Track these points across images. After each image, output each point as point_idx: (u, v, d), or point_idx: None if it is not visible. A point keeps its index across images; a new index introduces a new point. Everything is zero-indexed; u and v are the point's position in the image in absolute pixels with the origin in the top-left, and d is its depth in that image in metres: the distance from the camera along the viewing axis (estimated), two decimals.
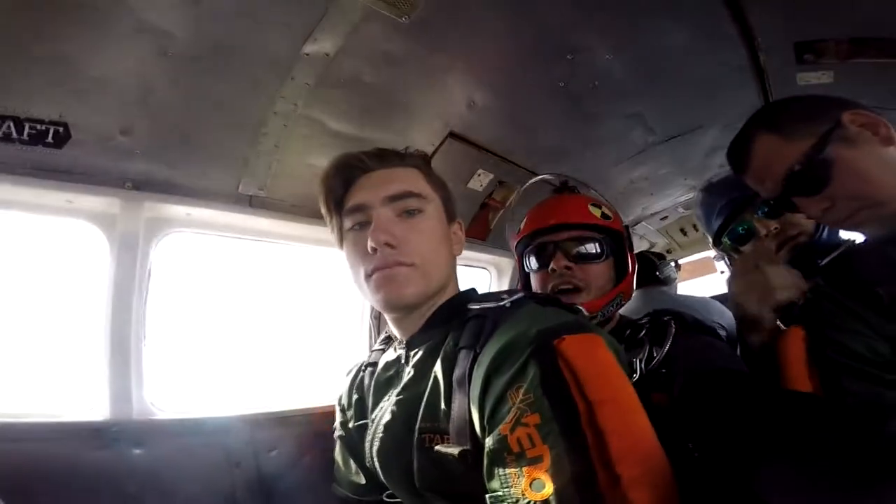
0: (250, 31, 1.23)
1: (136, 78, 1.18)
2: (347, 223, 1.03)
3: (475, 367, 0.84)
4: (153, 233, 1.42)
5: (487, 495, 0.74)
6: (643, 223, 3.00)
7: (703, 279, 3.80)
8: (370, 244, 0.95)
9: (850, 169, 0.95)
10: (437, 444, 0.85)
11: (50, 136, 1.13)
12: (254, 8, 1.20)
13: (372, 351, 1.26)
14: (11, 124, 1.07)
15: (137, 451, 1.26)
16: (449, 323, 0.98)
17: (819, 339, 0.93)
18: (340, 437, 1.24)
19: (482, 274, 2.47)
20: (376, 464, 1.02)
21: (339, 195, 1.06)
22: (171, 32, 1.14)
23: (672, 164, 2.44)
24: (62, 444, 1.19)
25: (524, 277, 1.52)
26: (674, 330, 1.16)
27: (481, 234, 2.23)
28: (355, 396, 1.20)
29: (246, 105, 1.39)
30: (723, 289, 3.22)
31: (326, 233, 1.68)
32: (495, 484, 0.72)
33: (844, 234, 1.34)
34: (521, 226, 1.47)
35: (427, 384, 0.93)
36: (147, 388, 1.36)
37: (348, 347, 1.90)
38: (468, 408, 0.82)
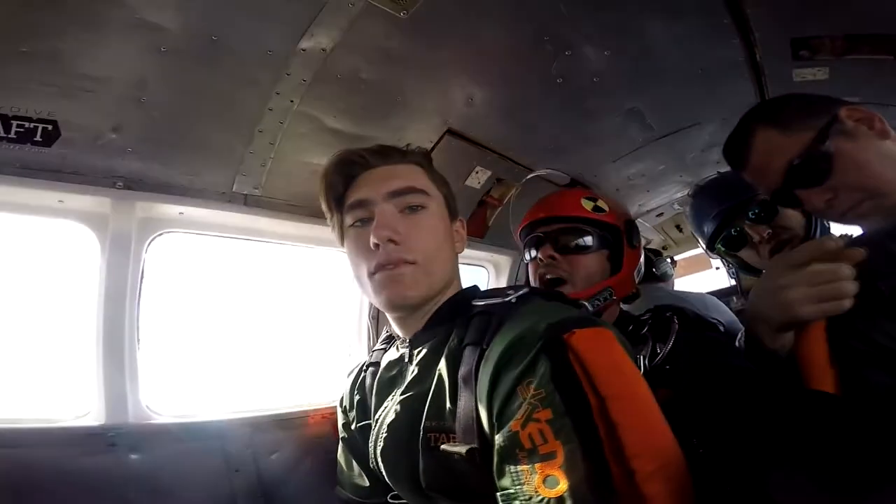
0: (246, 25, 1.20)
1: (128, 74, 1.15)
2: (349, 220, 1.01)
3: (482, 363, 0.82)
4: (146, 233, 1.39)
5: (499, 493, 0.72)
6: (639, 220, 3.00)
7: (698, 275, 3.82)
8: (373, 240, 0.93)
9: (851, 160, 0.96)
10: (442, 443, 0.84)
11: (38, 134, 1.10)
12: (249, 2, 1.17)
13: (373, 351, 1.24)
14: None
15: (134, 457, 1.24)
16: (453, 320, 0.96)
17: (842, 328, 0.92)
18: (343, 438, 1.23)
19: (480, 272, 2.46)
20: (380, 465, 1.00)
21: (340, 192, 1.04)
22: (165, 27, 1.11)
23: (669, 161, 2.44)
24: (56, 449, 1.16)
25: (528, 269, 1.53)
26: (677, 326, 1.16)
27: (479, 231, 2.22)
28: (357, 397, 1.18)
29: (241, 102, 1.36)
30: (718, 285, 3.25)
31: (323, 232, 1.67)
32: (506, 481, 0.71)
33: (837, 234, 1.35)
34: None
35: (432, 382, 0.91)
36: (143, 392, 1.33)
37: (347, 348, 1.88)
38: (475, 405, 0.80)
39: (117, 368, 1.29)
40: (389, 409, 1.00)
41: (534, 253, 1.42)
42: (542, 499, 0.66)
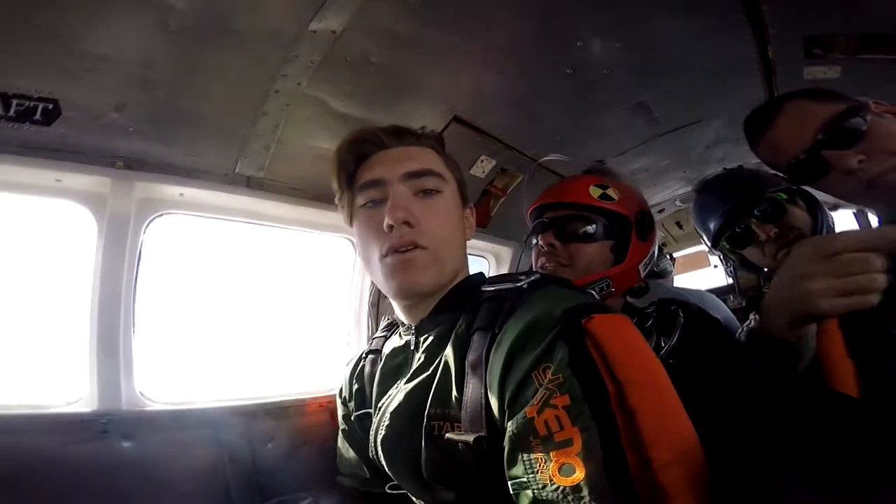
0: (255, 5, 1.17)
1: (133, 53, 1.11)
2: (360, 200, 0.99)
3: (493, 348, 0.80)
4: (144, 214, 1.37)
5: (510, 482, 0.70)
6: None
7: (697, 273, 3.82)
8: (388, 221, 0.90)
9: (885, 128, 0.99)
10: (447, 431, 0.82)
11: (39, 112, 1.07)
12: None
13: (373, 338, 1.23)
14: None
15: (127, 444, 1.22)
16: (460, 306, 0.94)
17: (859, 320, 0.91)
18: (343, 430, 1.22)
19: (481, 262, 2.45)
20: (380, 454, 0.99)
21: (352, 171, 1.02)
22: (173, 5, 1.07)
23: (673, 157, 2.43)
24: (47, 436, 1.14)
25: None
26: (682, 320, 1.14)
27: (481, 221, 2.21)
28: (356, 386, 1.17)
29: (247, 83, 1.33)
30: (715, 283, 3.26)
31: (326, 217, 1.67)
32: (518, 470, 0.69)
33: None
34: None
35: (438, 369, 0.89)
36: (137, 378, 1.31)
37: (346, 336, 1.87)
38: (484, 392, 0.79)
39: (111, 353, 1.26)
40: (394, 397, 0.98)
41: (535, 238, 1.41)
42: (558, 487, 0.64)
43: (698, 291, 2.25)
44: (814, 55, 1.68)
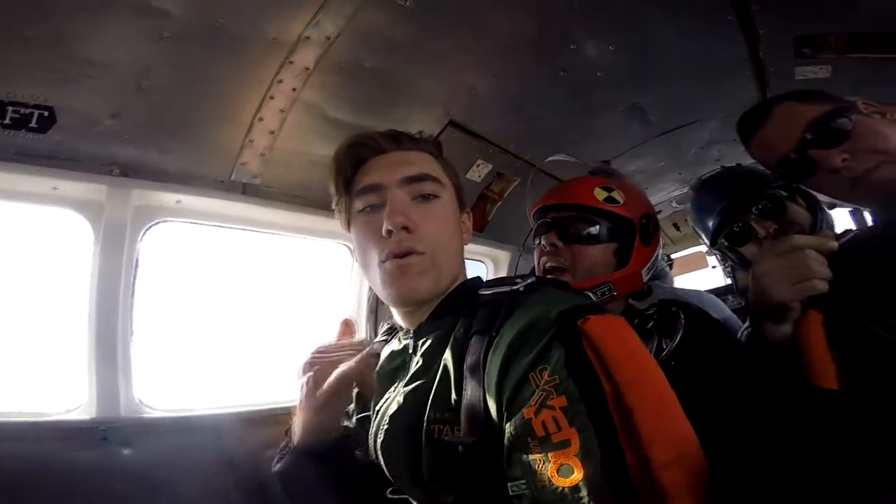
0: (251, 12, 1.18)
1: (129, 60, 1.13)
2: (358, 204, 0.98)
3: (491, 351, 0.79)
4: (141, 222, 1.37)
5: (509, 483, 0.69)
6: None
7: (694, 274, 3.83)
8: (386, 227, 0.89)
9: (870, 128, 1.01)
10: (447, 434, 0.81)
11: (34, 120, 1.07)
12: None
13: (373, 343, 1.22)
14: None
15: (126, 452, 1.21)
16: (458, 310, 0.93)
17: (842, 321, 0.94)
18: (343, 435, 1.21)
19: (478, 267, 2.45)
20: (380, 457, 0.98)
21: (349, 175, 1.01)
22: (169, 13, 1.08)
23: (668, 158, 2.45)
24: (46, 444, 1.14)
25: None
26: (683, 321, 1.13)
27: (478, 225, 2.21)
28: (356, 389, 1.16)
29: (242, 89, 1.34)
30: (714, 284, 3.26)
31: (322, 223, 1.67)
32: (517, 471, 0.68)
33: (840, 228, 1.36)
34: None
35: (436, 373, 0.88)
36: (136, 385, 1.30)
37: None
38: (482, 395, 0.78)
39: (109, 361, 1.26)
40: (392, 400, 0.97)
41: (537, 239, 1.38)
42: (556, 488, 0.63)
43: (697, 292, 2.25)
44: (804, 55, 1.70)
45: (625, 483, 0.62)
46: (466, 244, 1.08)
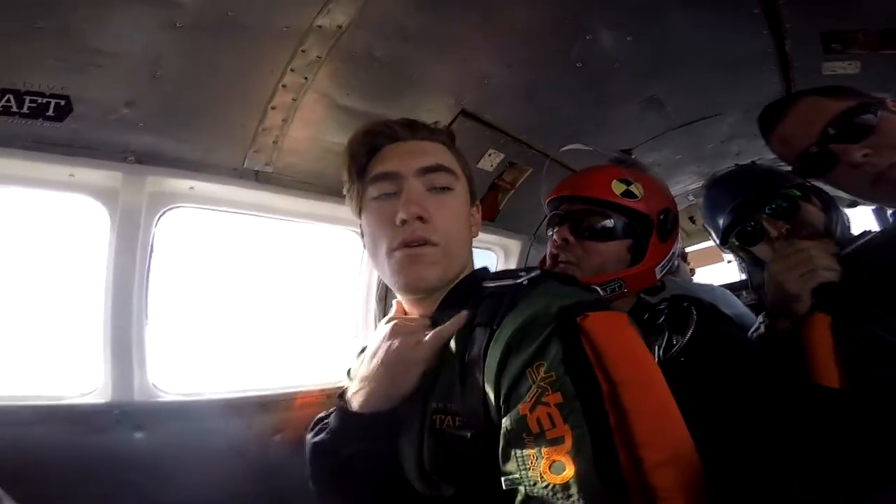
0: (261, 2, 1.18)
1: (141, 49, 1.13)
2: (372, 192, 0.97)
3: (491, 344, 0.80)
4: (156, 208, 1.39)
5: (503, 478, 0.70)
6: None
7: (710, 269, 3.76)
8: (401, 216, 0.89)
9: (895, 125, 1.00)
10: (448, 425, 0.82)
11: (51, 109, 1.09)
12: None
13: None
14: (11, 97, 1.03)
15: (139, 435, 1.25)
16: (464, 302, 0.93)
17: (848, 325, 0.94)
18: None
19: (488, 255, 2.46)
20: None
21: (363, 162, 1.00)
22: (180, 3, 1.08)
23: (686, 151, 2.39)
24: (62, 427, 1.17)
25: None
26: (695, 317, 1.11)
27: (490, 215, 2.21)
28: None
29: (254, 78, 1.35)
30: (730, 278, 3.21)
31: (334, 210, 1.68)
32: (511, 466, 0.69)
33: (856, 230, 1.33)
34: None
35: (440, 364, 0.89)
36: (149, 369, 1.33)
37: (353, 328, 1.89)
38: (483, 387, 0.78)
39: (124, 345, 1.29)
40: None
41: (550, 231, 1.35)
42: (548, 484, 0.64)
43: (710, 287, 2.22)
44: (832, 50, 1.64)
45: (616, 482, 0.62)
46: (475, 237, 1.08)
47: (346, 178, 1.04)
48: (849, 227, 1.34)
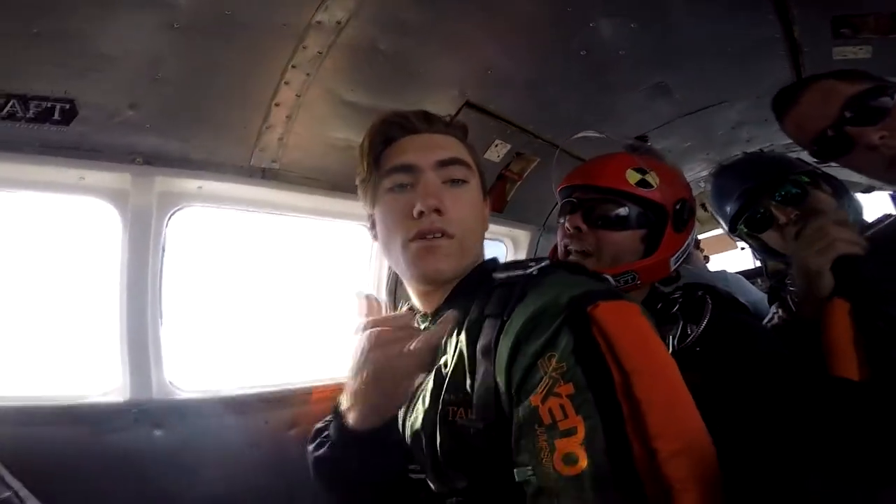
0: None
1: (142, 51, 1.14)
2: (387, 183, 0.97)
3: (502, 335, 0.79)
4: (166, 207, 1.40)
5: (516, 469, 0.70)
6: None
7: (723, 255, 3.72)
8: (419, 207, 0.90)
9: None
10: (460, 417, 0.82)
11: (57, 113, 1.09)
12: None
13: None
14: (16, 102, 1.04)
15: (158, 433, 1.27)
16: (474, 293, 0.93)
17: (868, 310, 0.94)
18: None
19: (498, 246, 2.46)
20: (410, 440, 0.97)
21: (378, 152, 1.01)
22: (177, 4, 1.09)
23: (696, 138, 2.37)
24: (82, 426, 1.19)
25: None
26: (710, 306, 1.10)
27: (498, 205, 2.21)
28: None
29: (257, 75, 1.35)
30: (743, 265, 3.18)
31: (341, 205, 1.69)
32: (524, 457, 0.69)
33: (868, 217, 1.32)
34: None
35: (452, 355, 0.89)
36: (166, 367, 1.36)
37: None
38: (494, 378, 0.78)
39: (140, 344, 1.31)
40: (426, 381, 0.96)
41: (562, 219, 1.33)
42: (560, 476, 0.63)
43: (724, 274, 2.19)
44: (842, 35, 1.61)
45: (630, 473, 0.62)
46: (485, 230, 1.08)
47: (361, 168, 1.04)
48: (860, 213, 1.33)
